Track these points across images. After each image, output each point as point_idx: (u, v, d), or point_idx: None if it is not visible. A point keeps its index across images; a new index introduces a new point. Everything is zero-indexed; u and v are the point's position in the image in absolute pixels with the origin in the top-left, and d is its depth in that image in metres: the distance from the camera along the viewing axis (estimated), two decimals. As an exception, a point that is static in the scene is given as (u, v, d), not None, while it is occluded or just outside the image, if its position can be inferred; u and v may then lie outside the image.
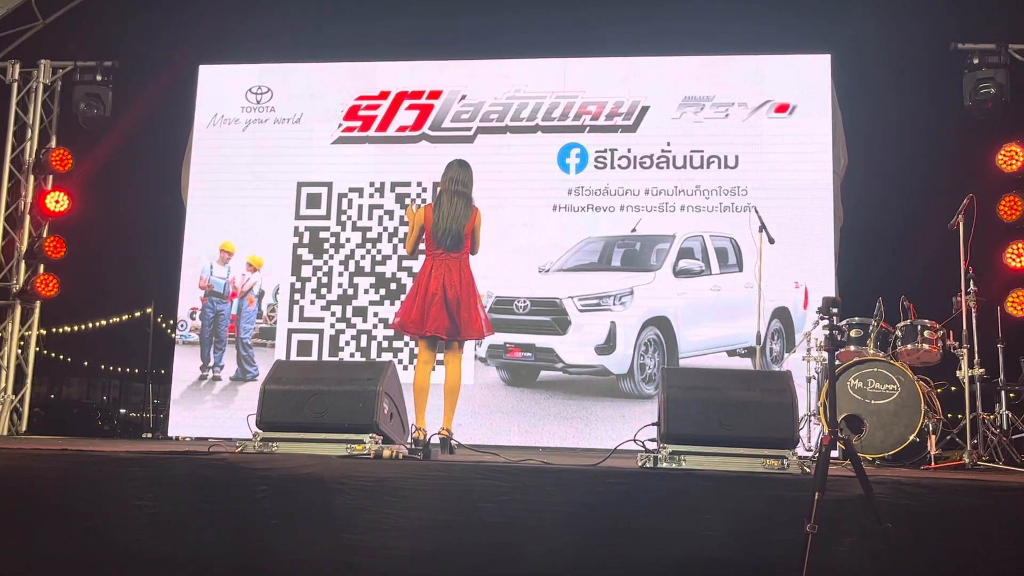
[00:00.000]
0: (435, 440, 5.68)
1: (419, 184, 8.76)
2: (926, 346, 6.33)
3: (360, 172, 8.87)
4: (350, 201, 8.83)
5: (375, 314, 8.64)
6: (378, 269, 8.74)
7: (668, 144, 8.53)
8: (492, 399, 8.29)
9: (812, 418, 6.58)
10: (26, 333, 8.96)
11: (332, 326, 8.69)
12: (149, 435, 9.42)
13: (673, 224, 8.38)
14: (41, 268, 8.90)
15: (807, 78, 8.49)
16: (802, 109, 8.43)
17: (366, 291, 8.70)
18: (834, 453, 3.76)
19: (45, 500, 4.27)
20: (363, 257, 8.77)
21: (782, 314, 8.15)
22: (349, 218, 8.82)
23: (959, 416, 6.08)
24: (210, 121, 9.07)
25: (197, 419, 8.59)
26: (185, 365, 8.78)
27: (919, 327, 6.37)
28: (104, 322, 14.82)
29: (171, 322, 9.24)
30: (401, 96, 8.94)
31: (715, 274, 8.29)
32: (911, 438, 5.95)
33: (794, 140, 8.39)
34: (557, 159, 8.65)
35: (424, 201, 8.53)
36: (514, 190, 8.50)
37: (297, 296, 8.78)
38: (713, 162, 8.45)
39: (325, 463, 4.26)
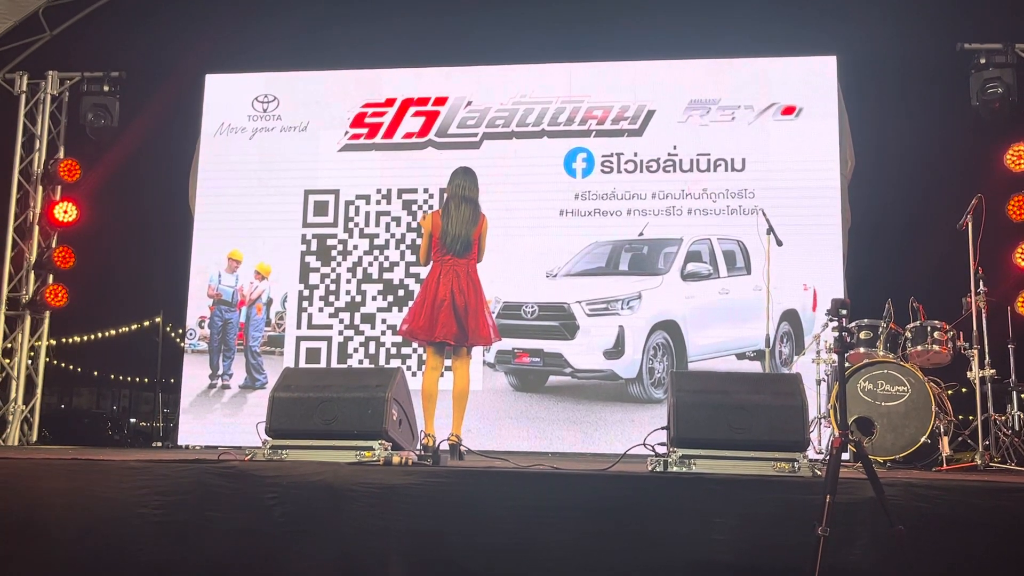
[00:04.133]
0: (444, 446, 5.68)
1: (426, 191, 8.76)
2: (936, 347, 6.31)
3: (367, 179, 8.88)
4: (357, 208, 8.84)
5: (383, 321, 8.64)
6: (386, 276, 8.74)
7: (674, 148, 8.53)
8: (501, 405, 8.28)
9: (822, 420, 6.55)
10: (36, 343, 8.98)
11: (340, 333, 8.69)
12: (159, 444, 9.44)
13: (680, 228, 8.36)
14: (50, 278, 8.93)
15: (813, 80, 8.47)
16: (808, 111, 8.41)
17: (374, 298, 8.71)
18: (845, 455, 3.74)
19: (56, 510, 4.28)
20: (371, 264, 8.77)
21: (791, 316, 8.13)
22: (356, 225, 8.83)
23: (970, 417, 6.05)
24: (217, 130, 9.10)
25: (207, 427, 8.60)
26: (194, 374, 8.79)
27: (929, 328, 6.35)
28: (113, 332, 14.84)
29: (180, 331, 9.25)
30: (407, 103, 8.95)
31: (723, 277, 8.27)
32: (922, 440, 5.93)
33: (801, 142, 8.37)
34: (564, 164, 8.65)
35: (432, 208, 8.54)
36: (521, 195, 8.49)
37: (305, 303, 8.79)
38: (720, 165, 8.44)
39: (334, 470, 4.26)
